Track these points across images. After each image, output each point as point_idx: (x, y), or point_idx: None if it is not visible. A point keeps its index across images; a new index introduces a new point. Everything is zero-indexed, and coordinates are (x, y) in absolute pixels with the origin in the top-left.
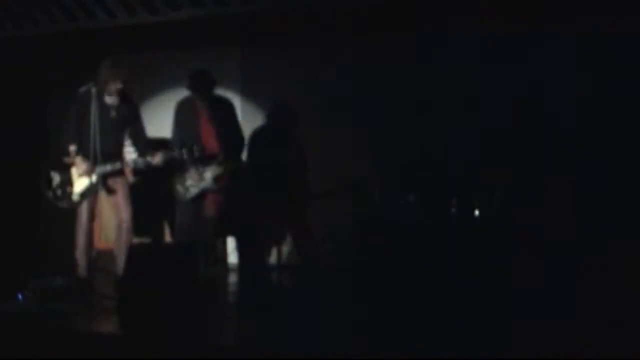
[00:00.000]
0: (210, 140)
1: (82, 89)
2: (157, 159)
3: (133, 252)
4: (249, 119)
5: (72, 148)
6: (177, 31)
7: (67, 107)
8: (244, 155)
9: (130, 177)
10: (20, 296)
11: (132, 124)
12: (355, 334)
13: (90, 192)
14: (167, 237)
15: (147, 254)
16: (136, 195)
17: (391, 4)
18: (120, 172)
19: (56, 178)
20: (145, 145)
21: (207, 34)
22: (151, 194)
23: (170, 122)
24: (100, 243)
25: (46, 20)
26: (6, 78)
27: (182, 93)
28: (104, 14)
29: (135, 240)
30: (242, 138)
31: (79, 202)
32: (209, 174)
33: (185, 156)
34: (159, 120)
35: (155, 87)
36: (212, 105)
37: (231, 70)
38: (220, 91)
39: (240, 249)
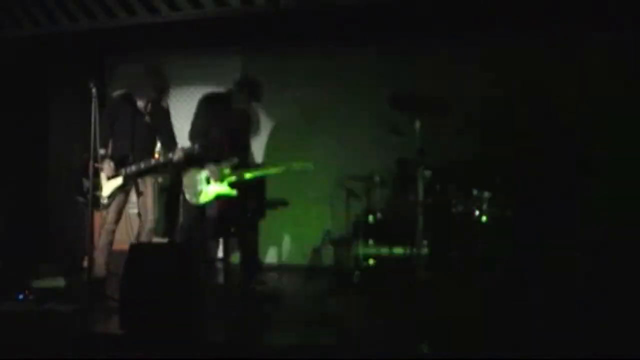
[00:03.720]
0: (233, 145)
1: (116, 94)
2: (177, 155)
3: (133, 252)
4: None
5: (102, 152)
6: (177, 31)
7: (67, 107)
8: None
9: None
10: (20, 296)
11: (163, 128)
12: (356, 334)
13: (117, 194)
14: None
15: (147, 254)
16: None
17: (390, 5)
18: (149, 173)
19: (86, 184)
20: (173, 147)
21: (207, 34)
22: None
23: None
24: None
25: (46, 20)
26: (6, 78)
27: (182, 92)
28: (103, 14)
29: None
30: (248, 146)
31: (109, 204)
32: (222, 178)
33: (200, 151)
34: None
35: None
36: (243, 112)
37: (231, 70)
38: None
39: (240, 248)
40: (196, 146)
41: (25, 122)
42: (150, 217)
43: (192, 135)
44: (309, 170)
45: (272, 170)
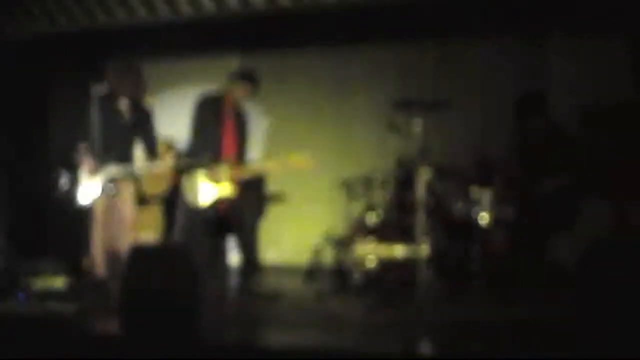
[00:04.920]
0: (230, 146)
1: (97, 92)
2: (166, 163)
3: (133, 252)
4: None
5: (83, 146)
6: (177, 31)
7: (67, 107)
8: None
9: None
10: (20, 296)
11: (143, 129)
12: (355, 334)
13: (101, 192)
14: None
15: (147, 254)
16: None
17: (391, 5)
18: (130, 176)
19: (65, 176)
20: (153, 151)
21: (207, 34)
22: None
23: (169, 122)
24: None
25: (46, 20)
26: (6, 78)
27: (182, 93)
28: (104, 14)
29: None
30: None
31: (91, 202)
32: (220, 179)
33: (199, 163)
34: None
35: (154, 87)
36: (239, 110)
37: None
38: None
39: (241, 249)
40: (192, 158)
41: (25, 122)
42: (127, 214)
43: (195, 141)
44: (308, 167)
45: (270, 166)
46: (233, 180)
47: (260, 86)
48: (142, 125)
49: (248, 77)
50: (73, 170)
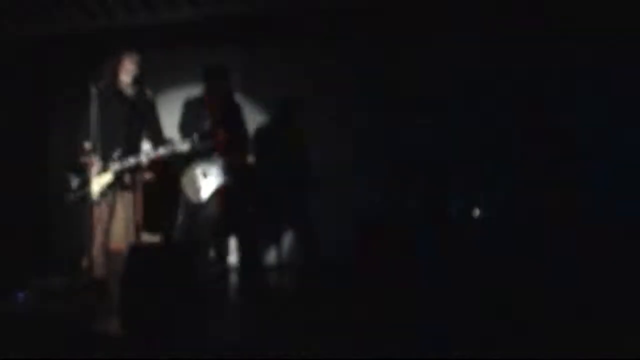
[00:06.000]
0: (221, 142)
1: (97, 86)
2: (161, 151)
3: (132, 252)
4: (249, 117)
5: (87, 145)
6: (177, 31)
7: (67, 107)
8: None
9: (147, 175)
10: (20, 296)
11: (148, 120)
12: (355, 335)
13: (109, 190)
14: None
15: (147, 254)
16: (148, 193)
17: (392, 4)
18: (137, 170)
19: (74, 180)
20: (159, 140)
21: (207, 33)
22: (161, 191)
23: (171, 121)
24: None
25: (46, 20)
26: (6, 78)
27: (182, 92)
28: (103, 14)
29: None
30: (247, 135)
31: (100, 201)
32: (218, 169)
33: (191, 145)
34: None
35: (155, 87)
36: (222, 101)
37: (232, 70)
38: None
39: (240, 248)
40: (195, 137)
41: (25, 122)
42: (137, 215)
43: (182, 128)
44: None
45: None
46: (232, 176)
47: (235, 78)
48: (145, 115)
49: (216, 75)
50: (79, 172)
